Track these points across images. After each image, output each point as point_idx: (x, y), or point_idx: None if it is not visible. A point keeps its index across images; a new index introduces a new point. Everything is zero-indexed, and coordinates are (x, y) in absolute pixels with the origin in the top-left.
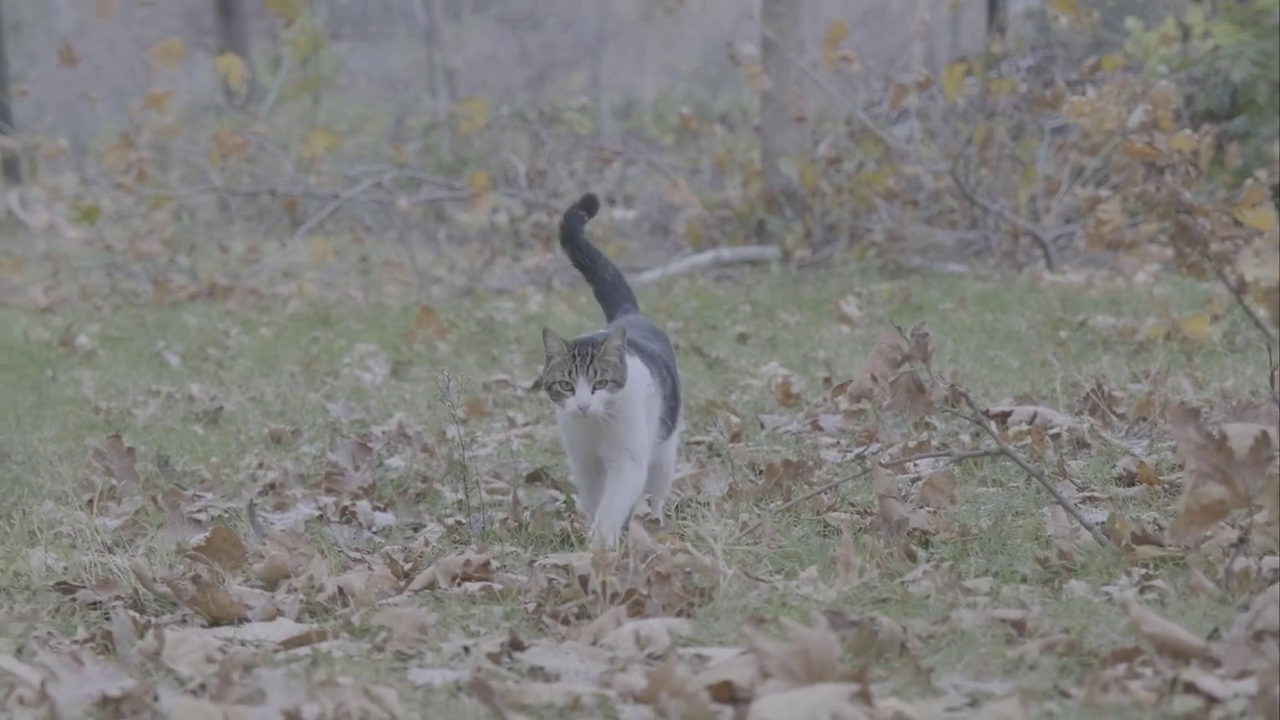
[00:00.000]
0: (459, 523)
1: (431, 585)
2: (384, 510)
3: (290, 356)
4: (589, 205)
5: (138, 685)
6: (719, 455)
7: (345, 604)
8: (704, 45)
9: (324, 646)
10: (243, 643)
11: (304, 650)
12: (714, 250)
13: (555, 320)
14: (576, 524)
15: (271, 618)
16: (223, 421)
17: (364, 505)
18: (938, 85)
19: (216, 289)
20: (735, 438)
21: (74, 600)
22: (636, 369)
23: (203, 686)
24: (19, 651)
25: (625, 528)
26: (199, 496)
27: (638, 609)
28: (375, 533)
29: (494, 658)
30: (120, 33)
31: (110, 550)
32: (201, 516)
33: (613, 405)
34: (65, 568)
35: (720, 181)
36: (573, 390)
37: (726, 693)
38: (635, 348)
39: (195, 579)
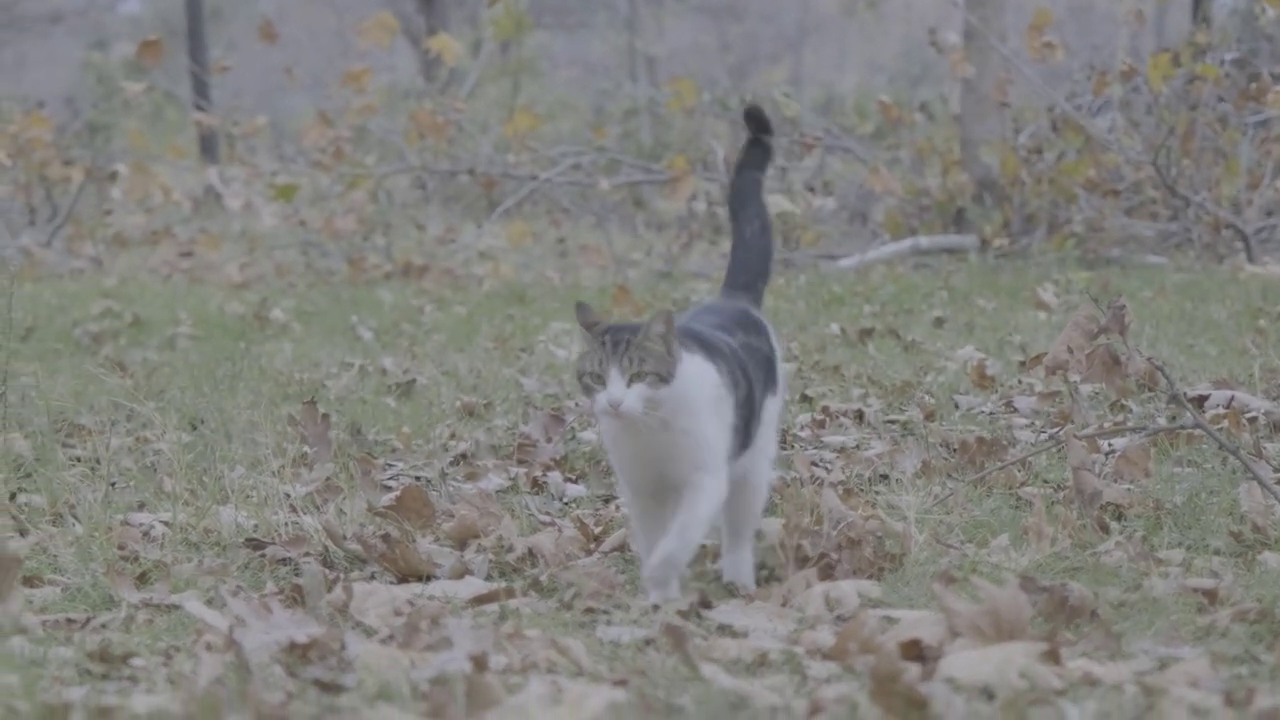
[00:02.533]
0: None
1: (621, 548)
2: (575, 482)
3: (484, 333)
4: (753, 118)
5: (325, 633)
6: (912, 433)
7: (534, 564)
8: (904, 41)
9: (511, 603)
10: (430, 598)
11: (491, 607)
12: (912, 238)
13: None
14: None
15: (460, 576)
16: (415, 394)
17: (555, 476)
18: (1141, 76)
19: (411, 268)
20: (929, 417)
21: (263, 556)
22: (698, 367)
23: (390, 636)
24: (208, 602)
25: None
26: (390, 465)
27: (828, 573)
28: (566, 503)
29: (682, 615)
30: (319, 18)
31: (300, 511)
32: (392, 484)
33: (657, 404)
34: (255, 525)
35: (919, 171)
36: (603, 383)
37: (915, 651)
38: (697, 340)
39: (385, 537)
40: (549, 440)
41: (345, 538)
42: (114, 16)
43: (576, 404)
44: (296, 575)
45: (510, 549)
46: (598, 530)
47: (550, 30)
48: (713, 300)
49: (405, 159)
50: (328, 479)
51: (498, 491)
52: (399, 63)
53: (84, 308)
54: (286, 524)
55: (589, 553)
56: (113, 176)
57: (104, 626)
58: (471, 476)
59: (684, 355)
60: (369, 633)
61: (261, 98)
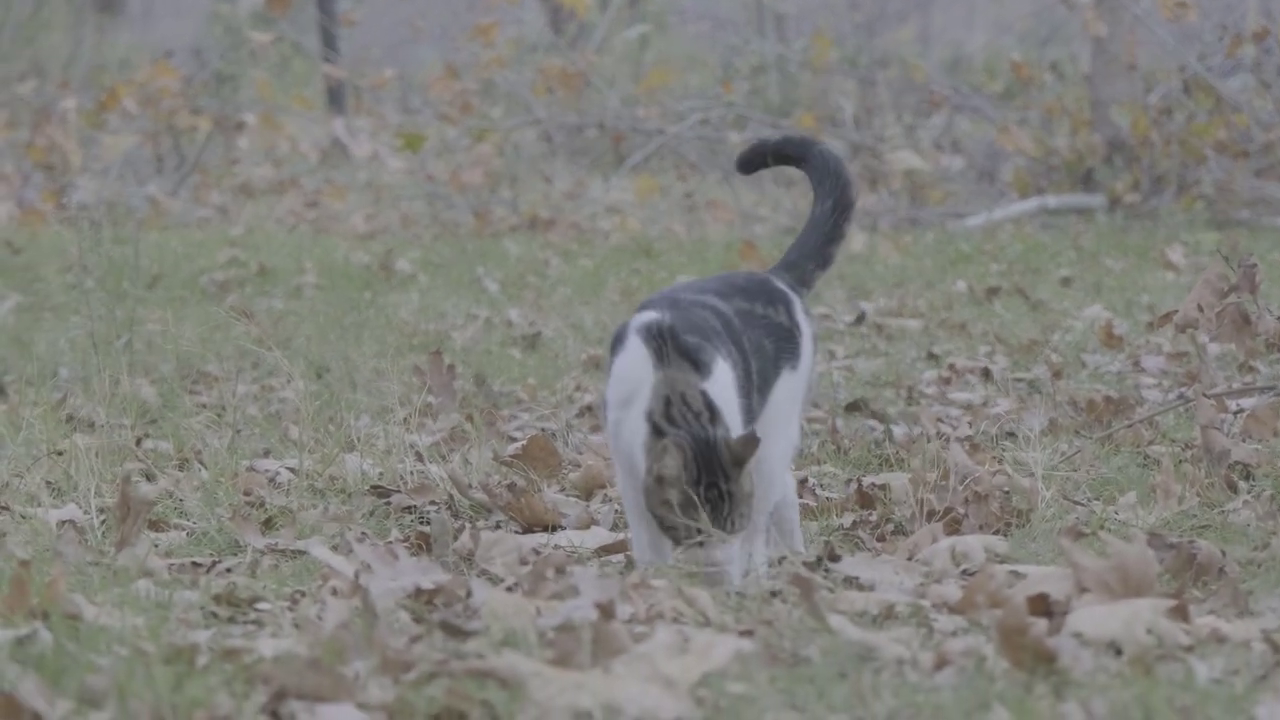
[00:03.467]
0: None
1: None
2: None
3: (611, 286)
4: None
5: (451, 579)
6: (1040, 391)
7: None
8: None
9: None
10: (556, 548)
11: (617, 557)
12: (1039, 198)
13: (878, 261)
14: (896, 450)
15: (586, 526)
16: (540, 346)
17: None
18: (1274, 37)
19: (538, 221)
20: (1056, 375)
21: (388, 504)
22: (722, 371)
23: (516, 584)
24: (334, 548)
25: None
26: (515, 416)
27: (954, 527)
28: None
29: (810, 568)
30: None
31: (425, 460)
32: (517, 435)
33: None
34: (380, 473)
35: (1048, 130)
36: (701, 537)
37: (1042, 605)
38: (694, 328)
39: (510, 486)
40: None
41: (471, 486)
42: None
43: None
44: (422, 523)
45: None
46: None
47: None
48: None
49: (532, 112)
50: (453, 429)
51: None
52: (526, 16)
53: (210, 256)
54: (412, 472)
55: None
56: (240, 127)
57: (229, 571)
58: (597, 429)
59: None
60: (495, 581)
61: (388, 50)
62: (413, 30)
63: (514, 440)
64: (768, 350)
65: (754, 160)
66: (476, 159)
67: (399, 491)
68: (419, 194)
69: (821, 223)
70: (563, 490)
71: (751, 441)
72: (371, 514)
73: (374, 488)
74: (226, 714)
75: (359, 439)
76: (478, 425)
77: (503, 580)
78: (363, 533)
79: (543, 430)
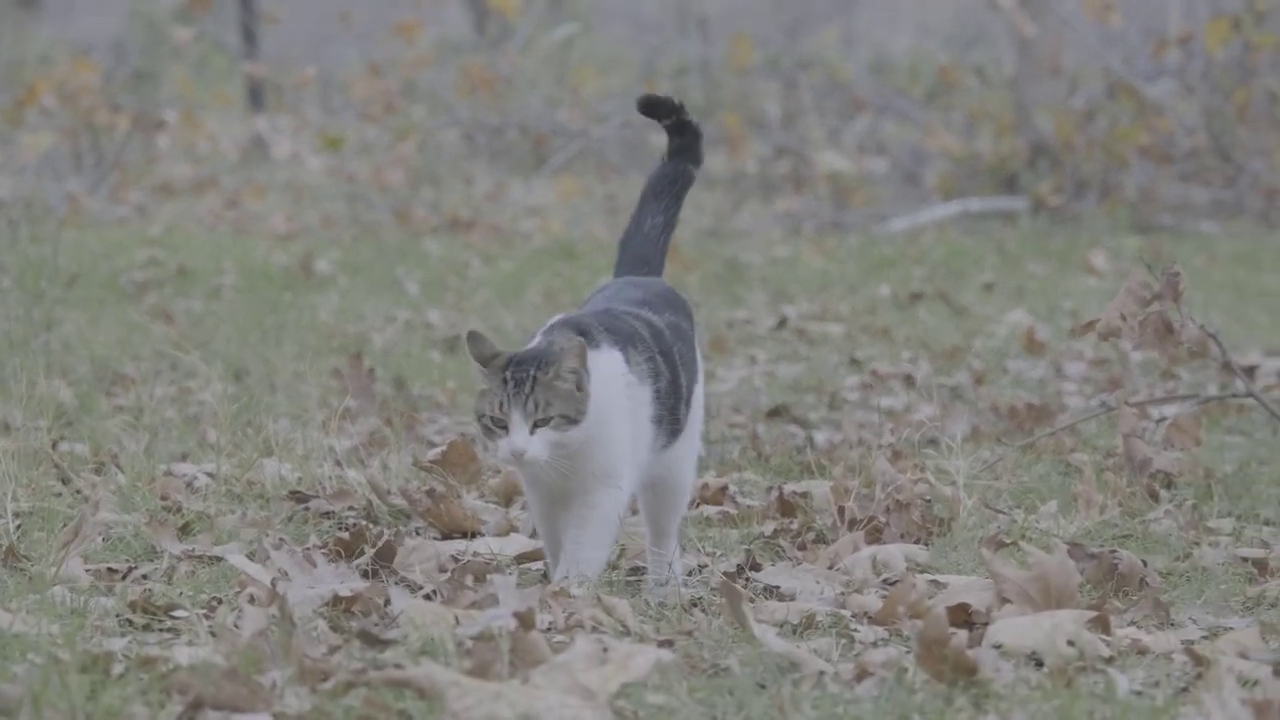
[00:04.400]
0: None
1: None
2: None
3: (533, 288)
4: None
5: (370, 587)
6: (962, 398)
7: None
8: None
9: None
10: (475, 555)
11: (536, 565)
12: (963, 201)
13: (802, 266)
14: (818, 457)
15: (505, 533)
16: (461, 349)
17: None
18: (1198, 41)
19: (459, 222)
20: (979, 381)
21: (307, 509)
22: (608, 360)
23: (435, 592)
24: (251, 555)
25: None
26: (434, 420)
27: (875, 536)
28: None
29: (730, 577)
30: None
31: (344, 465)
32: (436, 439)
33: (566, 448)
34: (299, 478)
35: (972, 134)
36: (505, 429)
37: (963, 616)
38: (611, 329)
39: (430, 492)
40: None
41: (390, 492)
42: None
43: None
44: (340, 529)
45: None
46: None
47: None
48: (631, 277)
49: (454, 113)
50: (372, 433)
51: None
52: (448, 15)
53: (129, 256)
54: (331, 478)
55: (635, 512)
56: (160, 124)
57: (146, 577)
58: None
59: (591, 351)
60: (413, 588)
61: (310, 49)
62: (340, 21)
63: (434, 445)
64: (690, 362)
65: (659, 109)
66: (398, 159)
67: (318, 497)
68: (339, 194)
69: (654, 237)
70: (482, 496)
71: (573, 341)
72: (290, 519)
73: (292, 493)
74: None
75: (278, 443)
76: (397, 430)
77: (421, 588)
78: (281, 539)
79: (462, 435)
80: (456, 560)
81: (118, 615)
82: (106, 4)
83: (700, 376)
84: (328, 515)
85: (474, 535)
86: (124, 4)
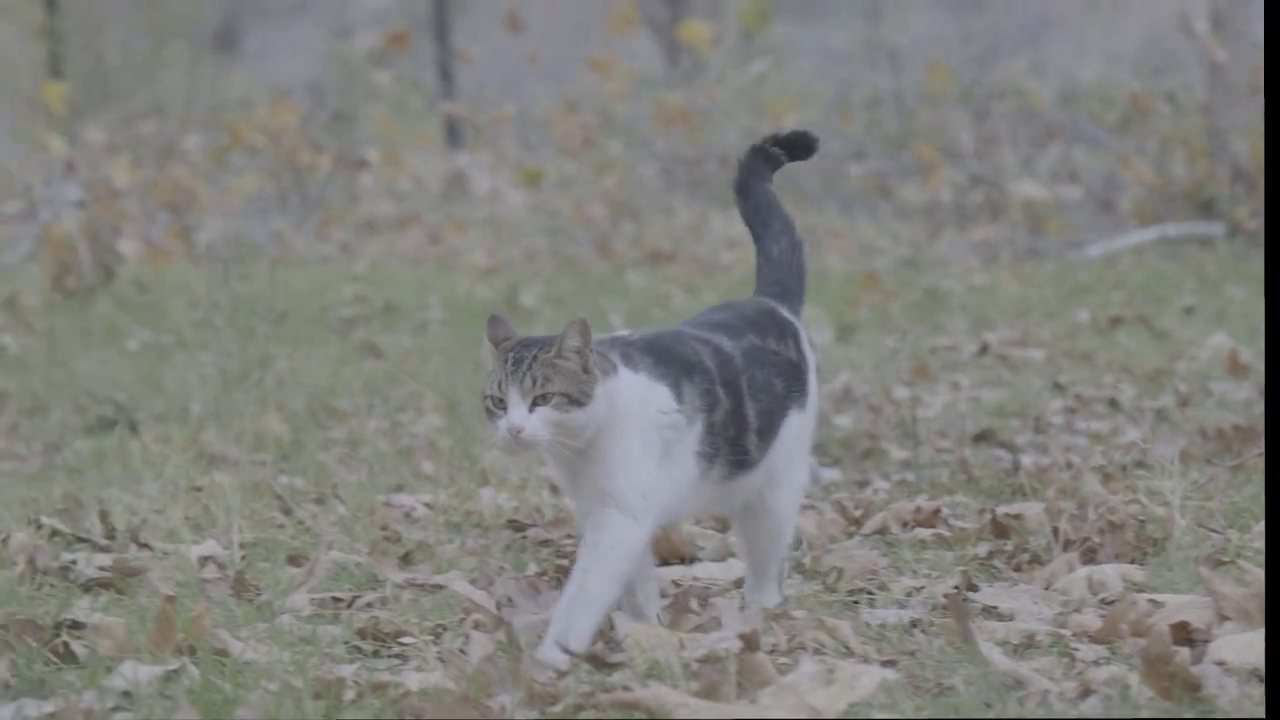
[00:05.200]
0: (905, 481)
1: (882, 530)
2: (831, 466)
3: None
4: (792, 144)
5: None
6: (1168, 420)
7: (796, 547)
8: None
9: None
10: (694, 580)
11: None
12: (1160, 226)
13: (1000, 292)
14: (1028, 480)
15: (724, 558)
16: None
17: (811, 461)
18: None
19: (660, 255)
20: (1184, 404)
21: (524, 538)
22: (638, 386)
23: (657, 616)
24: (473, 582)
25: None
26: None
27: (1090, 556)
28: (824, 487)
29: (949, 598)
30: (560, 7)
31: (560, 494)
32: None
33: (570, 431)
34: (516, 507)
35: (1165, 159)
36: (504, 407)
37: (1183, 633)
38: (651, 351)
39: None
40: None
41: None
42: (357, 6)
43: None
44: (559, 557)
45: None
46: (858, 513)
47: (793, 17)
48: (739, 298)
49: (650, 146)
50: None
51: None
52: (639, 49)
53: (336, 293)
54: (547, 505)
55: (850, 535)
56: (361, 164)
57: (369, 605)
58: None
59: (621, 371)
60: (634, 613)
61: (503, 87)
62: (529, 63)
63: None
64: (777, 389)
65: (805, 146)
66: (598, 193)
67: (535, 525)
68: (539, 228)
69: (786, 259)
70: (699, 523)
71: (577, 319)
72: (508, 548)
73: (510, 521)
74: None
75: (492, 473)
76: None
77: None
78: (501, 566)
79: None
80: (677, 585)
81: (345, 642)
82: (301, 47)
83: (806, 403)
84: (545, 543)
85: (691, 561)
86: (318, 47)
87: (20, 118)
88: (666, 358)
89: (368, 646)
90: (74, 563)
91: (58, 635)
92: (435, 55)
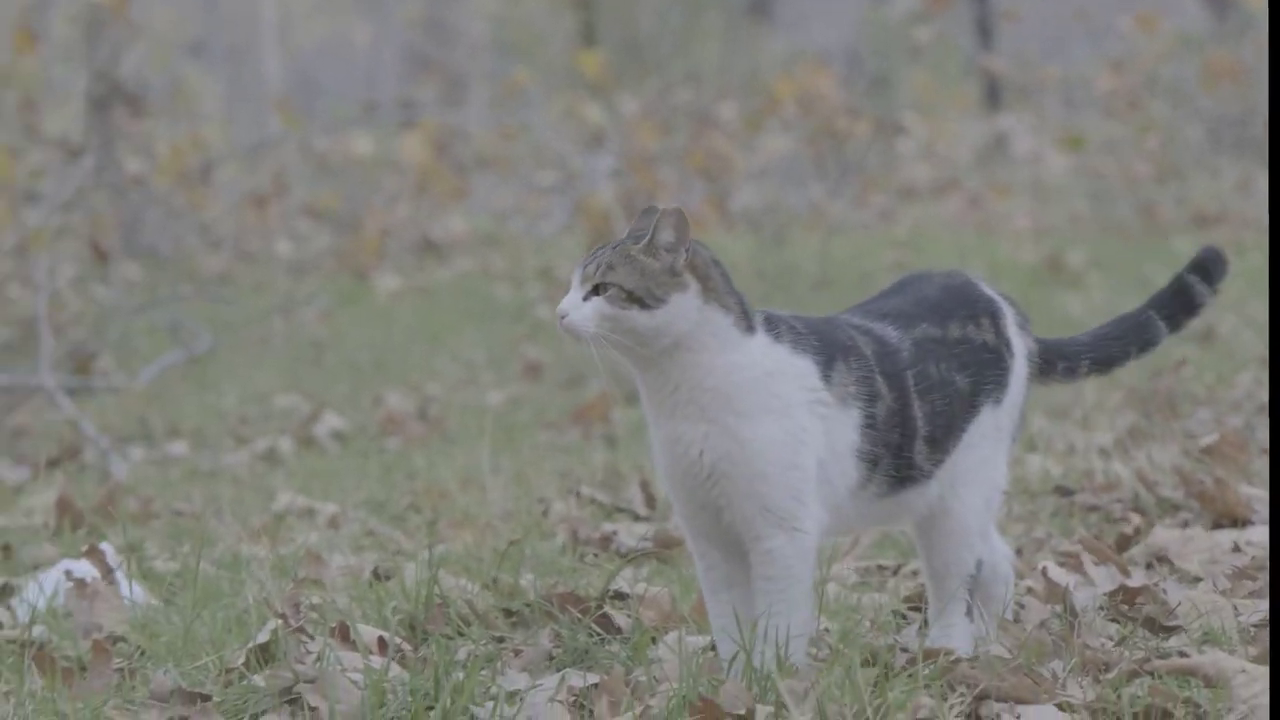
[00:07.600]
0: None
1: None
2: None
3: None
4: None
5: (1147, 578)
6: None
7: None
8: None
9: None
10: (1249, 543)
11: None
12: None
13: None
14: None
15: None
16: (1211, 342)
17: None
18: None
19: (1205, 217)
20: None
21: (1071, 503)
22: (775, 356)
23: (1211, 582)
24: (1018, 551)
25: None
26: (1193, 413)
27: None
28: None
29: None
30: None
31: (1110, 458)
32: (1198, 431)
33: (624, 330)
34: (1063, 472)
35: None
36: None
37: None
38: (816, 333)
39: (1216, 480)
40: None
41: (1156, 483)
42: None
43: None
44: (1107, 522)
45: None
46: None
47: None
48: (925, 270)
49: (1195, 105)
50: (1131, 427)
51: None
52: (1184, 7)
53: (875, 258)
54: (1096, 470)
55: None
56: (899, 129)
57: (915, 574)
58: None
59: (759, 335)
60: (1186, 580)
61: (1046, 47)
62: (1075, 18)
63: (1191, 438)
64: (958, 387)
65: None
66: (1141, 155)
67: (1083, 490)
68: (1082, 192)
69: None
70: (1249, 483)
71: (673, 211)
72: (1054, 514)
73: (1056, 487)
74: (927, 716)
75: (1040, 438)
76: (1157, 423)
77: (1197, 578)
78: (1049, 532)
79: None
80: (1238, 549)
81: (892, 611)
82: (837, 13)
83: (1005, 397)
84: (1093, 509)
85: (1245, 524)
86: (853, 12)
87: (554, 89)
88: (817, 334)
89: (915, 616)
90: (615, 533)
91: (600, 606)
92: (975, 15)
